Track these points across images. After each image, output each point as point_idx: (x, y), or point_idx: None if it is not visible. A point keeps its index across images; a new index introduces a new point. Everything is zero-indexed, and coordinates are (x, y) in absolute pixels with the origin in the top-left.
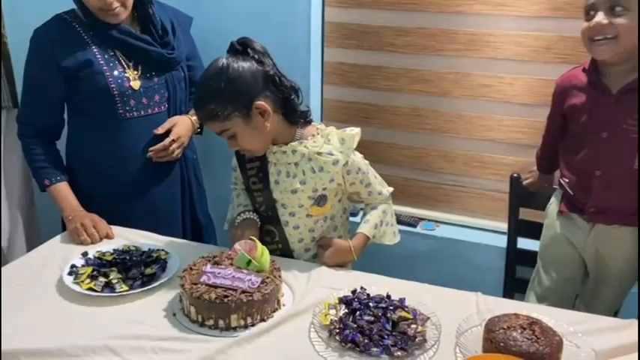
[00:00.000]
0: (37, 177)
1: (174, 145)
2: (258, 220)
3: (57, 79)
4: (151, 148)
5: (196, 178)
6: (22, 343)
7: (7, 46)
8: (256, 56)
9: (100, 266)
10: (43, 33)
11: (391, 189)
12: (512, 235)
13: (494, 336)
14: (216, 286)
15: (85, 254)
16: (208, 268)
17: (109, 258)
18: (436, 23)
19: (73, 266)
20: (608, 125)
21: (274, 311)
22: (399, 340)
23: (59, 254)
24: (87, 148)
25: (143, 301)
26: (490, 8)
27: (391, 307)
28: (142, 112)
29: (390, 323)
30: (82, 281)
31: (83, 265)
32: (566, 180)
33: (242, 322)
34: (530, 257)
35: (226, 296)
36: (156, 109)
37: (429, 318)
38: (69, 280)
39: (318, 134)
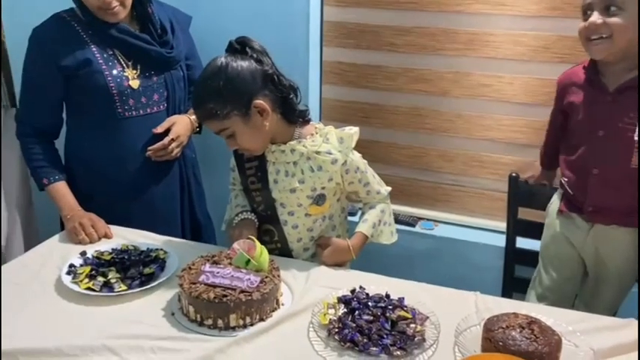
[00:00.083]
0: (36, 176)
1: (173, 145)
2: (256, 220)
3: (56, 78)
4: (149, 147)
5: (195, 177)
6: (21, 342)
7: (5, 45)
8: (255, 55)
9: (98, 266)
10: (41, 32)
11: (389, 188)
12: (511, 234)
13: (493, 335)
14: (215, 286)
15: (83, 254)
16: (207, 267)
17: (108, 257)
18: (435, 23)
19: (71, 266)
20: (604, 123)
21: (273, 311)
22: (398, 339)
23: (57, 254)
24: (86, 148)
25: (142, 300)
26: (489, 8)
27: (390, 307)
28: (141, 112)
29: (389, 323)
30: (81, 281)
31: (81, 265)
32: (566, 179)
33: (241, 322)
34: (528, 257)
35: (225, 296)
36: (155, 108)
37: (427, 317)
38: (67, 280)
39: (316, 133)
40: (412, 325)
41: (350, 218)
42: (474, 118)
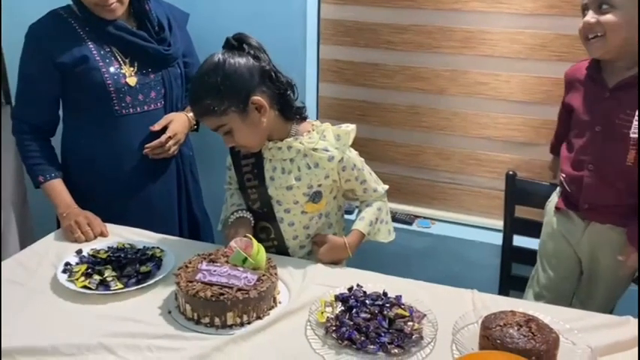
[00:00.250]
0: (32, 173)
1: (171, 142)
2: (251, 218)
3: (52, 75)
4: (147, 145)
5: (192, 175)
6: (17, 341)
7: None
8: (252, 52)
9: (94, 264)
10: (38, 28)
11: (386, 187)
12: (508, 232)
13: (490, 333)
14: (211, 284)
15: (79, 252)
16: (204, 265)
17: (104, 256)
18: (432, 21)
19: (67, 264)
20: (602, 119)
21: (270, 309)
22: (395, 337)
23: (53, 252)
24: (82, 145)
25: (138, 298)
26: (486, 6)
27: (387, 305)
28: (138, 109)
29: (387, 321)
30: (77, 279)
31: (77, 263)
32: (564, 175)
33: (238, 320)
34: (525, 255)
35: (222, 294)
36: (152, 105)
37: (425, 315)
38: (63, 278)
39: (313, 130)
40: (410, 323)
41: (347, 216)
42: (470, 116)
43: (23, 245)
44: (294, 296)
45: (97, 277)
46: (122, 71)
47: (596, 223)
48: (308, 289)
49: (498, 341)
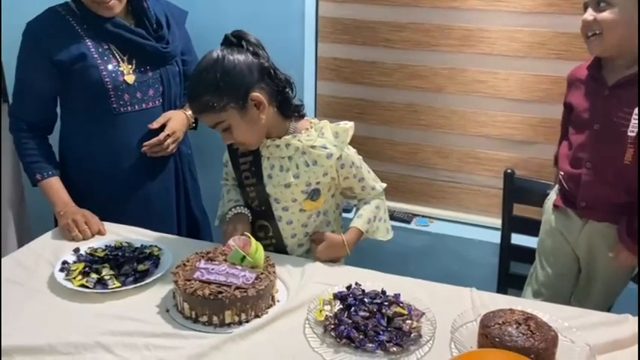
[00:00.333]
0: (29, 171)
1: (169, 140)
2: (249, 214)
3: (50, 72)
4: (145, 143)
5: (191, 173)
6: (14, 340)
7: None
8: (251, 48)
9: (92, 262)
10: (36, 26)
11: (384, 185)
12: (506, 231)
13: (489, 331)
14: (210, 282)
15: (76, 250)
16: (202, 264)
17: (101, 254)
18: (431, 18)
19: (64, 262)
20: (600, 117)
21: (269, 307)
22: (394, 335)
23: (50, 250)
24: (80, 143)
25: (136, 297)
26: (485, 4)
27: (386, 303)
28: (137, 107)
29: (385, 319)
30: (74, 277)
31: (75, 262)
32: (562, 173)
33: (236, 319)
34: (523, 253)
35: (220, 292)
36: (150, 103)
37: (424, 314)
38: (60, 277)
39: (311, 128)
40: (408, 322)
41: (344, 215)
42: (469, 114)
43: (20, 244)
44: (293, 295)
45: (94, 276)
46: (120, 69)
47: (594, 222)
48: (306, 287)
49: (497, 339)
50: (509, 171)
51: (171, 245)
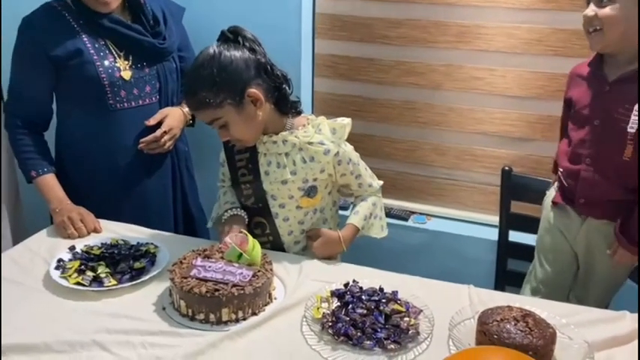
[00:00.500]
0: (24, 168)
1: (166, 137)
2: (245, 216)
3: (46, 68)
4: (142, 140)
5: (188, 170)
6: (9, 338)
7: None
8: (247, 44)
9: (87, 260)
10: (31, 21)
11: (381, 182)
12: (504, 228)
13: (487, 328)
14: (206, 280)
15: (72, 248)
16: (199, 261)
17: (97, 252)
18: (428, 15)
19: (60, 260)
20: (600, 112)
21: (266, 305)
22: (392, 333)
23: (46, 248)
24: (76, 140)
25: (132, 295)
26: (482, 0)
27: (384, 300)
28: (133, 103)
29: (383, 316)
30: (70, 275)
31: (70, 260)
32: (561, 170)
33: (233, 316)
34: (521, 250)
35: (217, 290)
36: (147, 100)
37: (421, 311)
38: (56, 275)
39: (308, 124)
40: (406, 319)
41: (341, 212)
42: (466, 111)
43: (15, 241)
44: (290, 292)
45: (90, 274)
46: (117, 65)
47: (593, 219)
48: (304, 284)
49: (495, 336)
50: (506, 168)
51: (167, 243)
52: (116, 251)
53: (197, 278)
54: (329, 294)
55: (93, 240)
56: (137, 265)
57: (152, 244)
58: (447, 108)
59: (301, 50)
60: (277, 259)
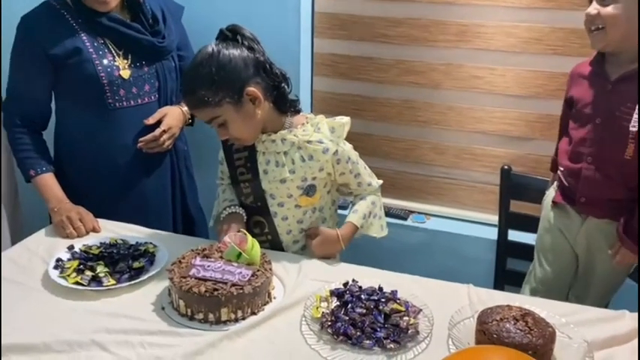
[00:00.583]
0: (23, 167)
1: (165, 136)
2: (244, 214)
3: (44, 66)
4: (141, 139)
5: (187, 169)
6: (8, 338)
7: None
8: (246, 43)
9: (86, 260)
10: (30, 19)
11: (380, 181)
12: (503, 227)
13: (487, 328)
14: (205, 279)
15: (71, 248)
16: (198, 261)
17: (96, 251)
18: (427, 14)
19: (58, 260)
20: (602, 111)
21: (265, 304)
22: (391, 332)
23: (44, 248)
24: (75, 139)
25: (131, 295)
26: None
27: (383, 300)
28: (132, 102)
29: (383, 316)
30: (69, 275)
31: (69, 259)
32: (562, 168)
33: (232, 316)
34: (520, 250)
35: (216, 289)
36: (146, 99)
37: (421, 310)
38: (55, 274)
39: (307, 123)
40: (405, 318)
41: (340, 211)
42: (465, 110)
43: (14, 241)
44: (289, 291)
45: (89, 273)
46: (116, 64)
47: (593, 218)
48: (303, 284)
49: (495, 336)
50: (506, 167)
51: (166, 242)
52: (115, 251)
53: (196, 278)
54: (328, 293)
55: (92, 239)
56: (136, 264)
57: (151, 243)
58: (446, 107)
59: (300, 49)
60: (276, 259)
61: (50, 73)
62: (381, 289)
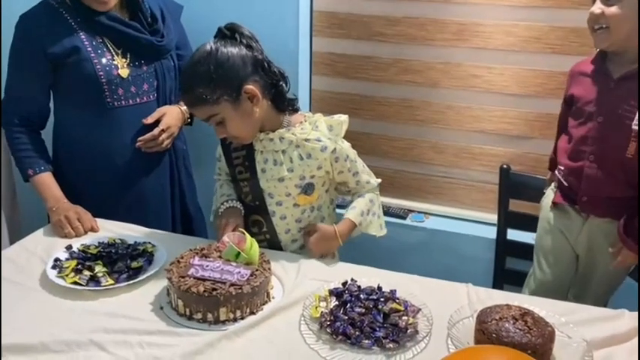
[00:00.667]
0: (21, 166)
1: (164, 135)
2: (241, 208)
3: (43, 65)
4: (140, 138)
5: (186, 168)
6: (6, 339)
7: None
8: (244, 41)
9: (84, 259)
10: (29, 18)
11: (379, 180)
12: (502, 226)
13: (486, 327)
14: (204, 279)
15: (69, 247)
16: (196, 260)
17: (94, 251)
18: (425, 13)
19: (56, 260)
20: (604, 109)
21: (264, 304)
22: (390, 332)
23: (43, 247)
24: (74, 138)
25: (129, 294)
26: None
27: (382, 299)
28: (131, 101)
29: (382, 315)
30: (67, 275)
31: (67, 259)
32: (562, 168)
33: (231, 316)
34: (519, 249)
35: (215, 289)
36: (145, 98)
37: (420, 309)
38: (53, 274)
39: (305, 121)
40: (404, 318)
41: (339, 210)
42: (464, 109)
43: (12, 241)
44: (288, 291)
45: (87, 273)
46: (114, 62)
47: (595, 218)
48: (302, 284)
49: (494, 335)
50: (504, 166)
51: (165, 242)
52: (113, 250)
53: (195, 277)
54: (327, 293)
55: (90, 239)
56: (134, 264)
57: (149, 243)
58: (444, 106)
59: (299, 48)
60: (275, 258)
61: (49, 72)
62: (380, 288)
